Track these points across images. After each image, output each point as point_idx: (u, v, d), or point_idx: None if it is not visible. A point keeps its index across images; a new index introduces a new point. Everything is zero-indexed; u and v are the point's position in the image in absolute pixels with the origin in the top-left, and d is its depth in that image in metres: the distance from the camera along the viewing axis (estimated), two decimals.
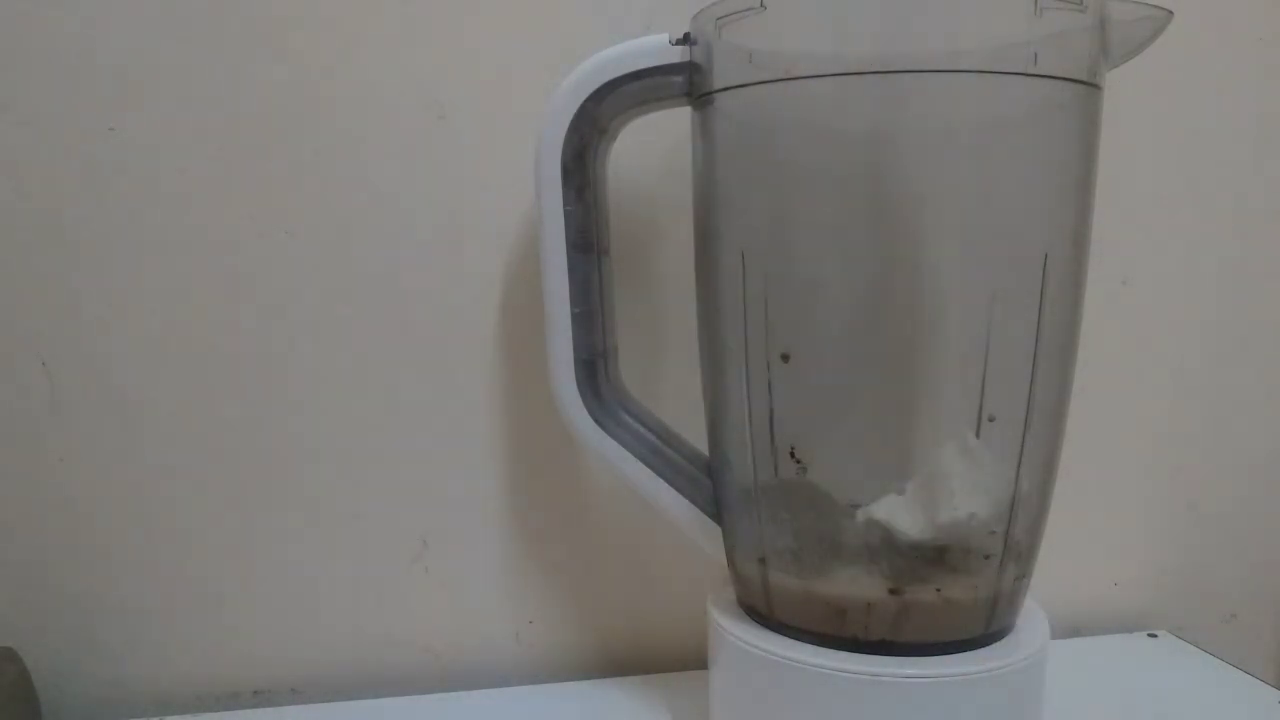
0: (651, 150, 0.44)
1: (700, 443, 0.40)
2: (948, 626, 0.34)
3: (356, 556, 0.46)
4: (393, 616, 0.47)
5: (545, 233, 0.37)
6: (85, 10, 0.40)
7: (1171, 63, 0.48)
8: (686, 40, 0.35)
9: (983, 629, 0.35)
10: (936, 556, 0.34)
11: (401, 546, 0.47)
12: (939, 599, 0.34)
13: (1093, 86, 0.32)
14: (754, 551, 0.37)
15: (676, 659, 0.49)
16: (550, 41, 0.43)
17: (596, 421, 0.39)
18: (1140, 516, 0.53)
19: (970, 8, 0.31)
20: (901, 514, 0.34)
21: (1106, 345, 0.50)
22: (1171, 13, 0.32)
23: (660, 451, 0.39)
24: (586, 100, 0.36)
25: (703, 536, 0.39)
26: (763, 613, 0.37)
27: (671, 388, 0.46)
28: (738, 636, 0.36)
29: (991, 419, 0.34)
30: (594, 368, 0.39)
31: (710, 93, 0.34)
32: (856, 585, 0.34)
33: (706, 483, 0.39)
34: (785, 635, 0.35)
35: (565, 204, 0.37)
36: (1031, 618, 0.37)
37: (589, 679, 0.47)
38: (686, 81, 0.35)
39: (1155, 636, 0.51)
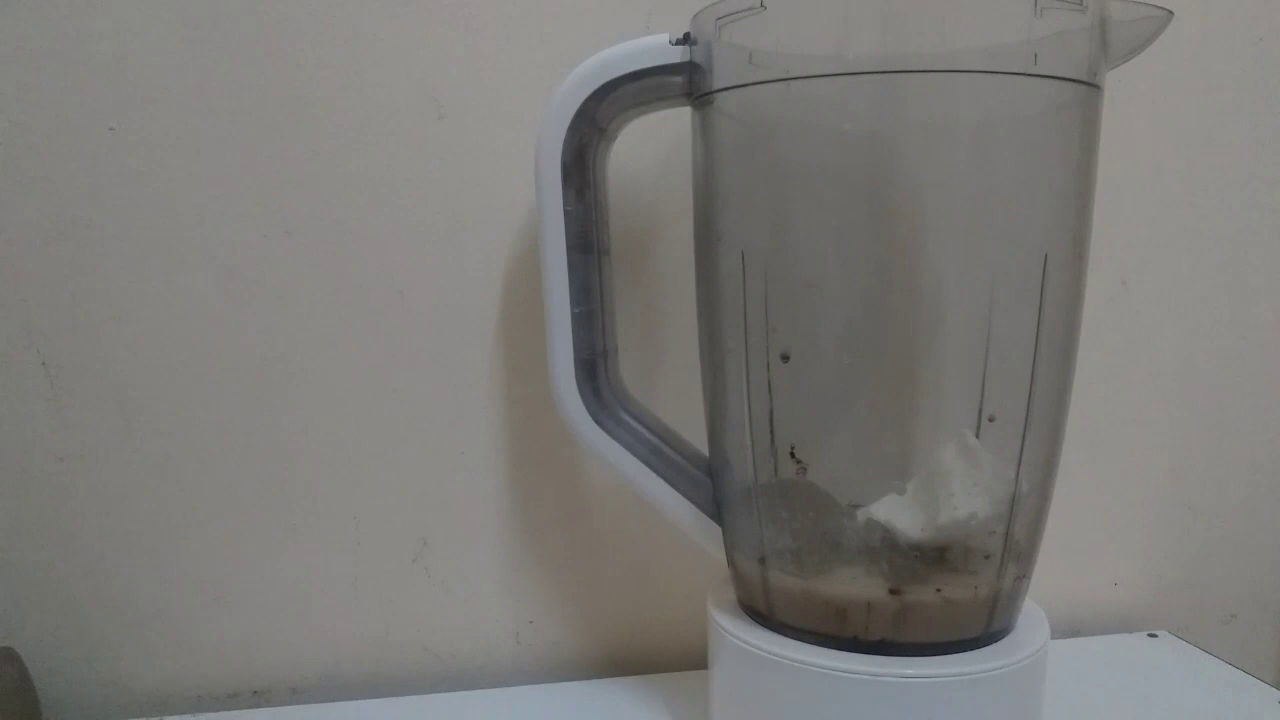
0: (651, 150, 0.44)
1: (700, 443, 0.40)
2: (948, 626, 0.34)
3: (356, 557, 0.46)
4: (393, 616, 0.47)
5: (545, 233, 0.37)
6: (85, 10, 0.40)
7: (1171, 63, 0.48)
8: (686, 40, 0.35)
9: (983, 629, 0.35)
10: (936, 556, 0.34)
11: (401, 546, 0.47)
12: (939, 599, 0.34)
13: (1093, 86, 0.32)
14: (754, 551, 0.37)
15: (676, 659, 0.49)
16: (550, 41, 0.43)
17: (596, 421, 0.39)
18: (1140, 516, 0.53)
19: (970, 8, 0.31)
20: (901, 514, 0.34)
21: (1106, 345, 0.50)
22: (1171, 13, 0.32)
23: (660, 451, 0.39)
24: (586, 100, 0.36)
25: (703, 536, 0.39)
26: (763, 613, 0.37)
27: (671, 388, 0.46)
28: (738, 636, 0.36)
29: (991, 419, 0.34)
30: (594, 368, 0.39)
31: (710, 93, 0.34)
32: (856, 585, 0.34)
33: (706, 483, 0.39)
34: (785, 635, 0.35)
35: (565, 204, 0.37)
36: (1031, 618, 0.37)
37: (589, 679, 0.47)
38: (686, 81, 0.35)
39: (1155, 636, 0.51)
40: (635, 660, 0.49)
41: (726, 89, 0.34)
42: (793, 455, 0.35)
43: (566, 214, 0.37)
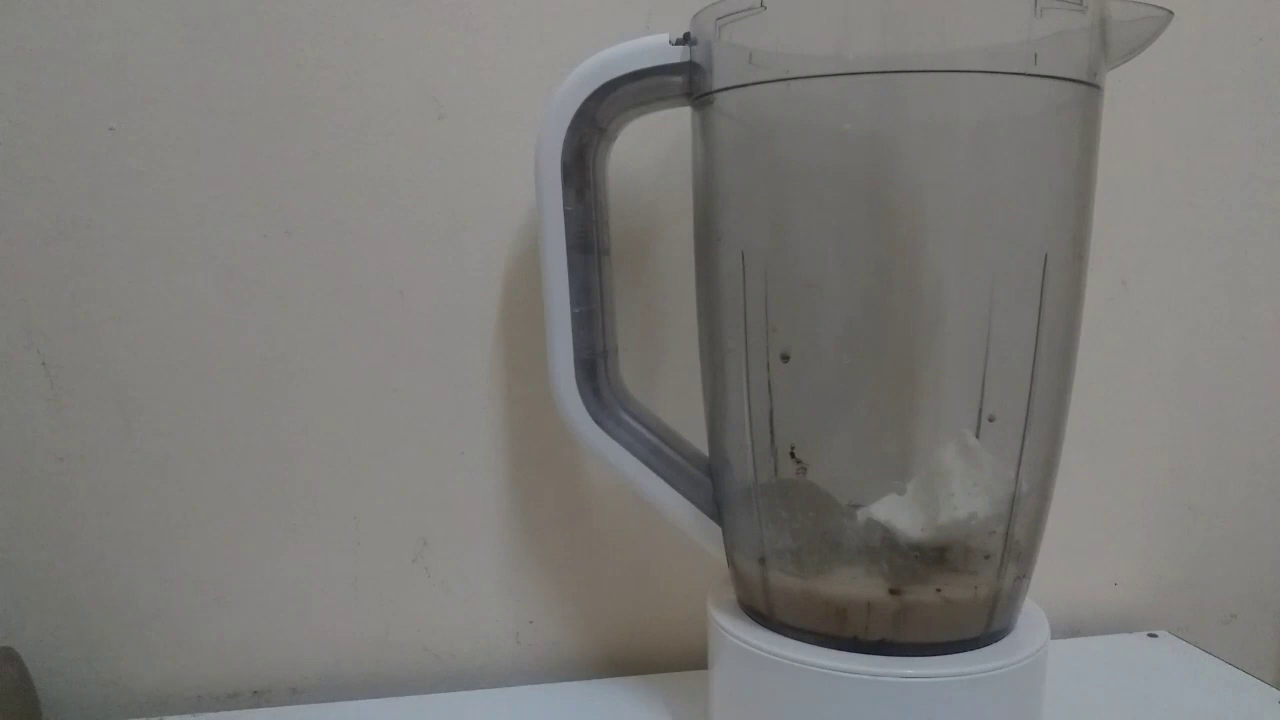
0: (651, 150, 0.44)
1: (700, 443, 0.40)
2: (948, 626, 0.34)
3: (356, 557, 0.46)
4: (393, 616, 0.47)
5: (545, 233, 0.37)
6: (85, 10, 0.40)
7: (1171, 63, 0.48)
8: (686, 40, 0.35)
9: (983, 629, 0.35)
10: (936, 556, 0.34)
11: (401, 546, 0.47)
12: (939, 599, 0.34)
13: (1093, 86, 0.32)
14: (754, 551, 0.37)
15: (676, 659, 0.49)
16: (550, 41, 0.43)
17: (596, 421, 0.39)
18: (1140, 516, 0.53)
19: (970, 8, 0.31)
20: (901, 514, 0.34)
21: (1106, 345, 0.50)
22: (1171, 13, 0.32)
23: (660, 451, 0.39)
24: (586, 100, 0.36)
25: (703, 536, 0.39)
26: (763, 613, 0.37)
27: (671, 388, 0.46)
28: (738, 636, 0.36)
29: (991, 419, 0.34)
30: (594, 368, 0.39)
31: (710, 93, 0.34)
32: (856, 585, 0.34)
33: (706, 483, 0.39)
34: (785, 635, 0.35)
35: (565, 204, 0.37)
36: (1031, 618, 0.37)
37: (589, 679, 0.47)
38: (686, 81, 0.35)
39: (1155, 636, 0.51)
40: (635, 660, 0.49)
41: (726, 89, 0.34)
42: (793, 455, 0.35)
43: (566, 214, 0.37)
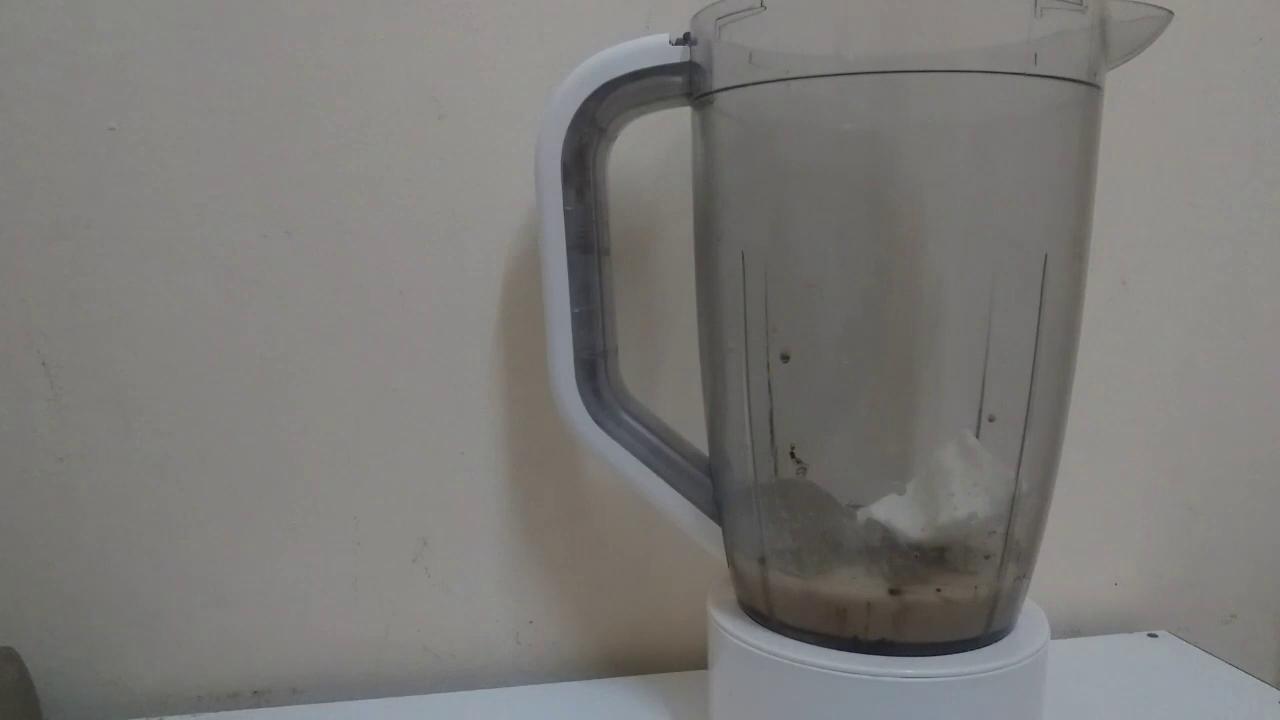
0: (651, 150, 0.44)
1: (700, 443, 0.40)
2: (948, 626, 0.34)
3: (356, 557, 0.46)
4: (393, 616, 0.47)
5: (545, 233, 0.37)
6: (85, 10, 0.40)
7: (1171, 63, 0.48)
8: (686, 40, 0.35)
9: (983, 629, 0.35)
10: (936, 556, 0.34)
11: (401, 546, 0.47)
12: (939, 599, 0.34)
13: (1093, 86, 0.32)
14: (754, 551, 0.37)
15: (676, 659, 0.49)
16: (550, 41, 0.43)
17: (596, 421, 0.39)
18: (1140, 516, 0.53)
19: (970, 8, 0.31)
20: (901, 514, 0.34)
21: (1106, 345, 0.50)
22: (1171, 13, 0.32)
23: (660, 451, 0.39)
24: (586, 100, 0.36)
25: (703, 536, 0.39)
26: (763, 613, 0.37)
27: (671, 388, 0.46)
28: (738, 636, 0.36)
29: (991, 419, 0.34)
30: (594, 368, 0.39)
31: (710, 93, 0.34)
32: (856, 585, 0.34)
33: (706, 483, 0.39)
34: (785, 635, 0.35)
35: (565, 204, 0.37)
36: (1031, 618, 0.37)
37: (589, 679, 0.47)
38: (686, 81, 0.35)
39: (1155, 636, 0.51)
40: (635, 660, 0.49)
41: (726, 89, 0.34)
42: (793, 455, 0.35)
43: (566, 214, 0.37)
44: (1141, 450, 0.52)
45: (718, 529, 0.39)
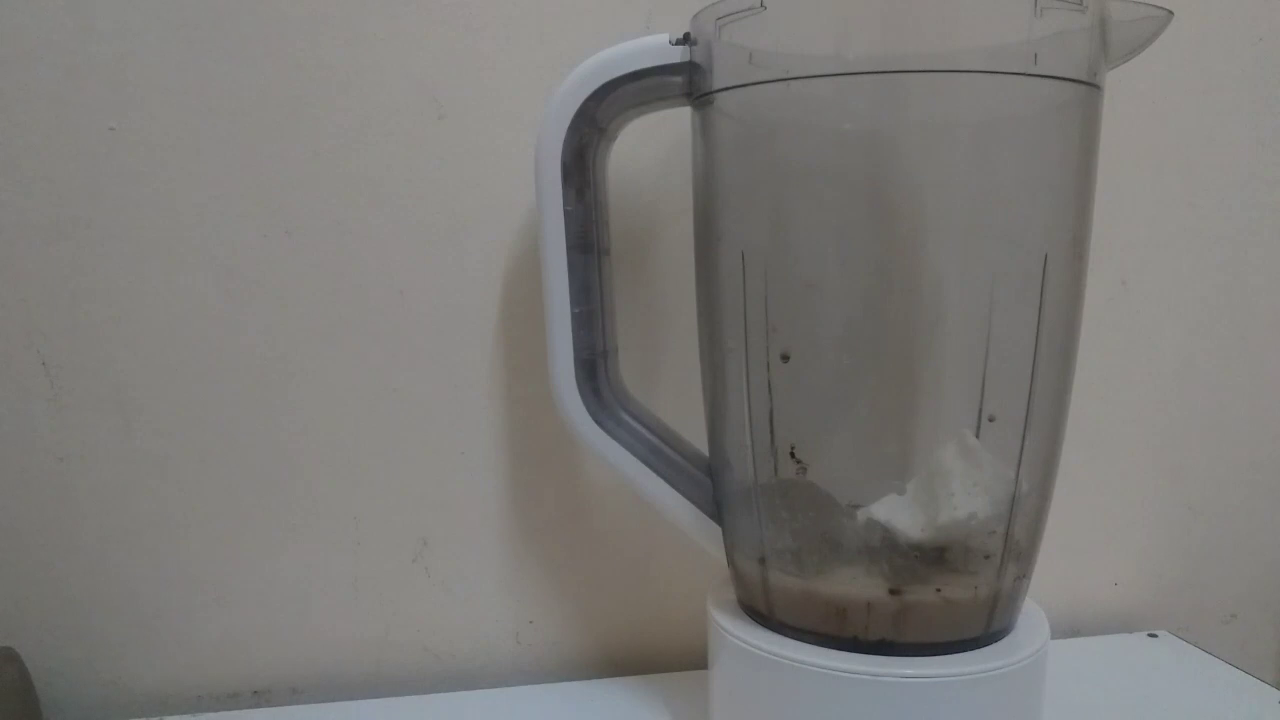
0: (651, 150, 0.44)
1: (700, 443, 0.40)
2: (948, 626, 0.34)
3: (356, 557, 0.46)
4: (393, 616, 0.47)
5: (545, 233, 0.37)
6: (85, 10, 0.40)
7: (1171, 63, 0.48)
8: (686, 40, 0.35)
9: (983, 629, 0.35)
10: (936, 556, 0.34)
11: (401, 546, 0.47)
12: (939, 599, 0.34)
13: (1093, 86, 0.32)
14: (754, 551, 0.37)
15: (676, 659, 0.49)
16: (550, 41, 0.43)
17: (596, 421, 0.39)
18: (1140, 516, 0.53)
19: (970, 8, 0.31)
20: (901, 514, 0.34)
21: (1106, 345, 0.50)
22: (1171, 13, 0.32)
23: (660, 451, 0.39)
24: (586, 100, 0.36)
25: (703, 536, 0.39)
26: (763, 613, 0.37)
27: (671, 388, 0.46)
28: (738, 636, 0.36)
29: (991, 419, 0.34)
30: (594, 368, 0.39)
31: (710, 93, 0.34)
32: (856, 585, 0.34)
33: (706, 483, 0.39)
34: (785, 635, 0.35)
35: (565, 204, 0.37)
36: (1031, 618, 0.37)
37: (589, 679, 0.47)
38: (686, 81, 0.35)
39: (1155, 636, 0.51)
40: (635, 660, 0.49)
41: (726, 89, 0.34)
42: (793, 455, 0.35)
43: (566, 214, 0.37)
44: (1141, 450, 0.52)
45: (718, 529, 0.39)
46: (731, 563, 0.38)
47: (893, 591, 0.34)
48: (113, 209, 0.42)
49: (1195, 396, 0.52)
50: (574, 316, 0.38)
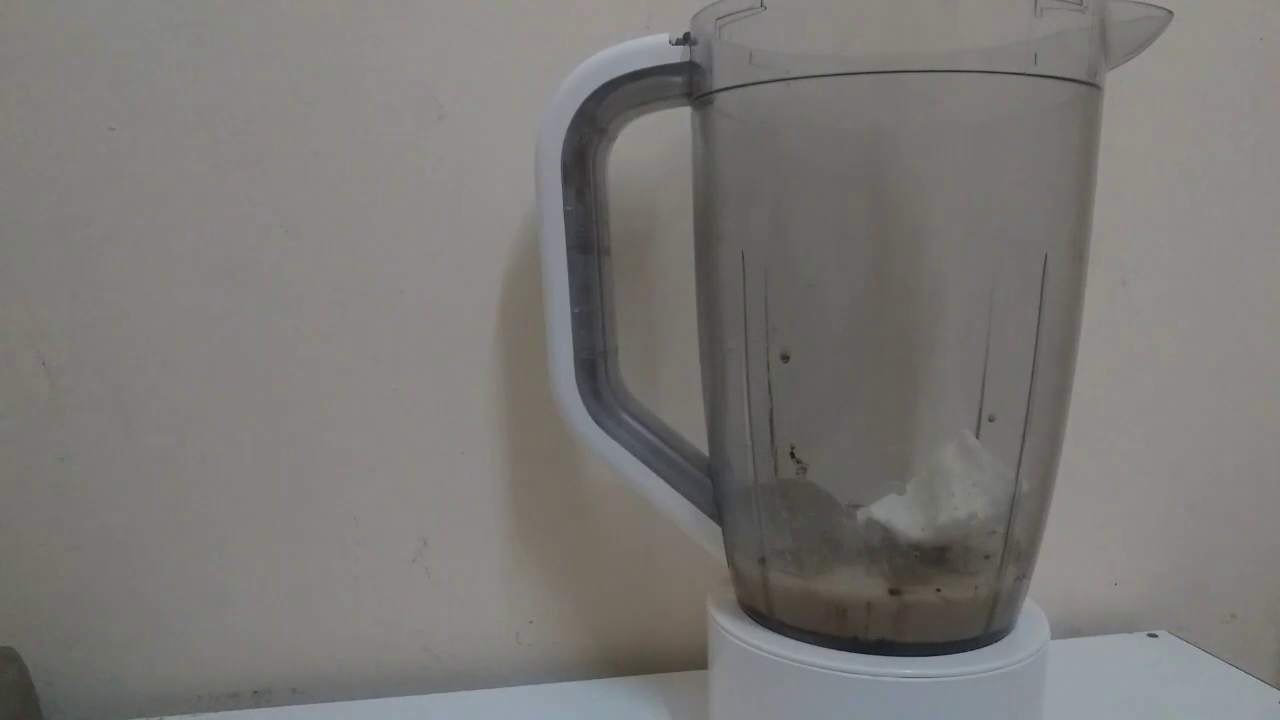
0: (651, 150, 0.44)
1: (700, 443, 0.40)
2: (948, 626, 0.34)
3: (356, 556, 0.46)
4: (393, 616, 0.47)
5: (545, 233, 0.37)
6: (85, 10, 0.40)
7: (1171, 63, 0.48)
8: (686, 40, 0.35)
9: (983, 629, 0.35)
10: (936, 556, 0.34)
11: (401, 546, 0.47)
12: (939, 599, 0.34)
13: (1093, 86, 0.32)
14: (754, 551, 0.37)
15: (676, 659, 0.49)
16: (550, 41, 0.43)
17: (596, 421, 0.39)
18: (1140, 516, 0.53)
19: (970, 8, 0.31)
20: (901, 514, 0.34)
21: (1106, 345, 0.50)
22: (1171, 13, 0.32)
23: (660, 451, 0.39)
24: (586, 100, 0.36)
25: (703, 536, 0.39)
26: (763, 613, 0.37)
27: (671, 388, 0.46)
28: (738, 636, 0.36)
29: (991, 419, 0.34)
30: (594, 368, 0.39)
31: (710, 93, 0.34)
32: (856, 585, 0.34)
33: (706, 483, 0.39)
34: (785, 635, 0.35)
35: (565, 204, 0.37)
36: (1031, 618, 0.37)
37: (589, 679, 0.47)
38: (686, 81, 0.35)
39: (1155, 636, 0.51)
40: (635, 660, 0.49)
41: (726, 89, 0.34)
42: (793, 455, 0.35)
43: (566, 214, 0.37)
44: (1141, 450, 0.52)
45: (718, 529, 0.39)
46: (731, 563, 0.38)
47: (893, 591, 0.34)
48: (113, 209, 0.42)
49: (1195, 396, 0.52)
50: (574, 316, 0.38)
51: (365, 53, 0.42)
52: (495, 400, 0.46)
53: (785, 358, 0.34)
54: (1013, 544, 0.34)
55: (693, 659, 0.48)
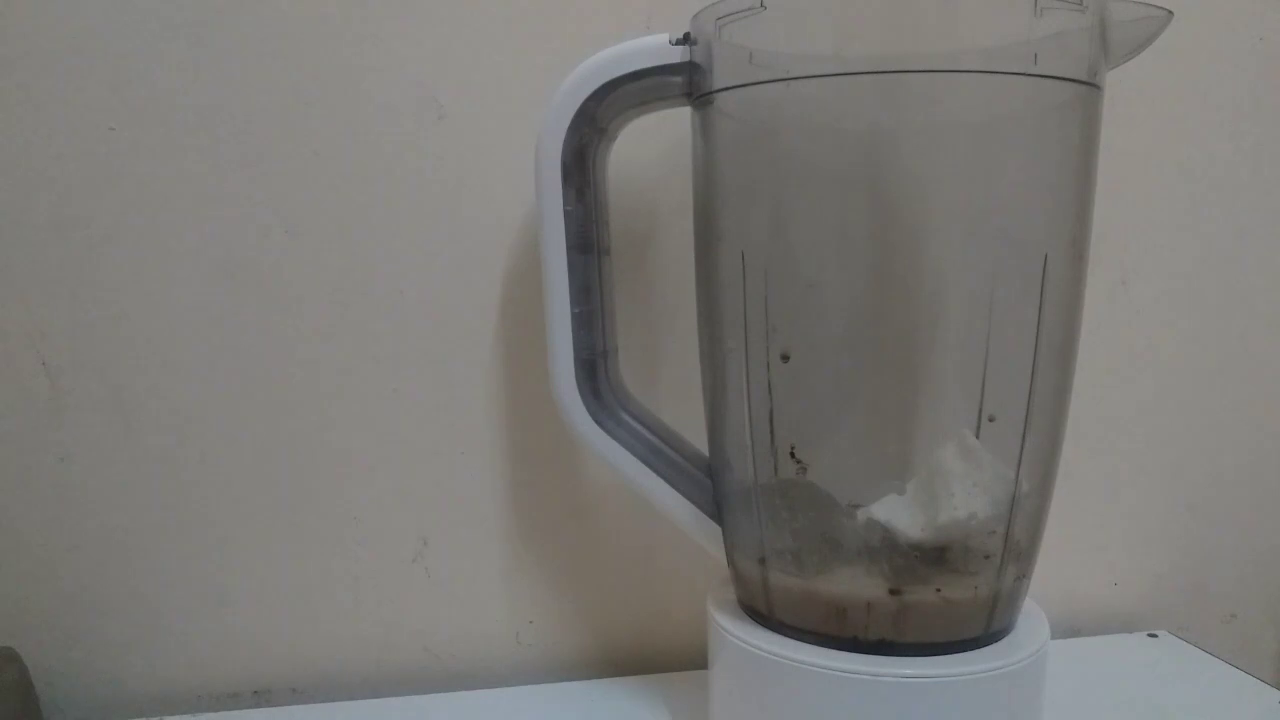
0: (651, 150, 0.44)
1: (700, 443, 0.40)
2: (948, 626, 0.34)
3: (356, 556, 0.46)
4: (393, 617, 0.47)
5: (545, 233, 0.37)
6: (85, 10, 0.40)
7: (1171, 63, 0.48)
8: (686, 40, 0.35)
9: (983, 629, 0.35)
10: (936, 556, 0.34)
11: (401, 546, 0.47)
12: (939, 599, 0.34)
13: (1093, 86, 0.32)
14: (754, 551, 0.37)
15: (676, 659, 0.49)
16: (550, 41, 0.43)
17: (596, 421, 0.39)
18: (1140, 516, 0.53)
19: (970, 8, 0.31)
20: (901, 514, 0.34)
21: (1106, 345, 0.50)
22: (1171, 13, 0.32)
23: (660, 451, 0.39)
24: (586, 100, 0.36)
25: (703, 536, 0.39)
26: (763, 613, 0.37)
27: (671, 388, 0.46)
28: (738, 636, 0.36)
29: (991, 419, 0.34)
30: (594, 368, 0.39)
31: (710, 93, 0.34)
32: (856, 585, 0.34)
33: (706, 483, 0.39)
34: (785, 635, 0.35)
35: (565, 204, 0.37)
36: (1031, 618, 0.37)
37: (589, 679, 0.47)
38: (686, 81, 0.35)
39: (1155, 636, 0.51)
40: (635, 660, 0.49)
41: (726, 89, 0.34)
42: (793, 455, 0.35)
43: (566, 214, 0.37)
44: (1141, 450, 0.52)
45: (718, 529, 0.39)
46: (731, 563, 0.38)
47: (893, 591, 0.34)
48: (113, 209, 0.42)
49: (1195, 396, 0.52)
50: (574, 316, 0.38)
51: (365, 53, 0.42)
52: (495, 400, 0.46)
53: (785, 358, 0.34)
54: (1013, 544, 0.34)
55: (693, 659, 0.48)
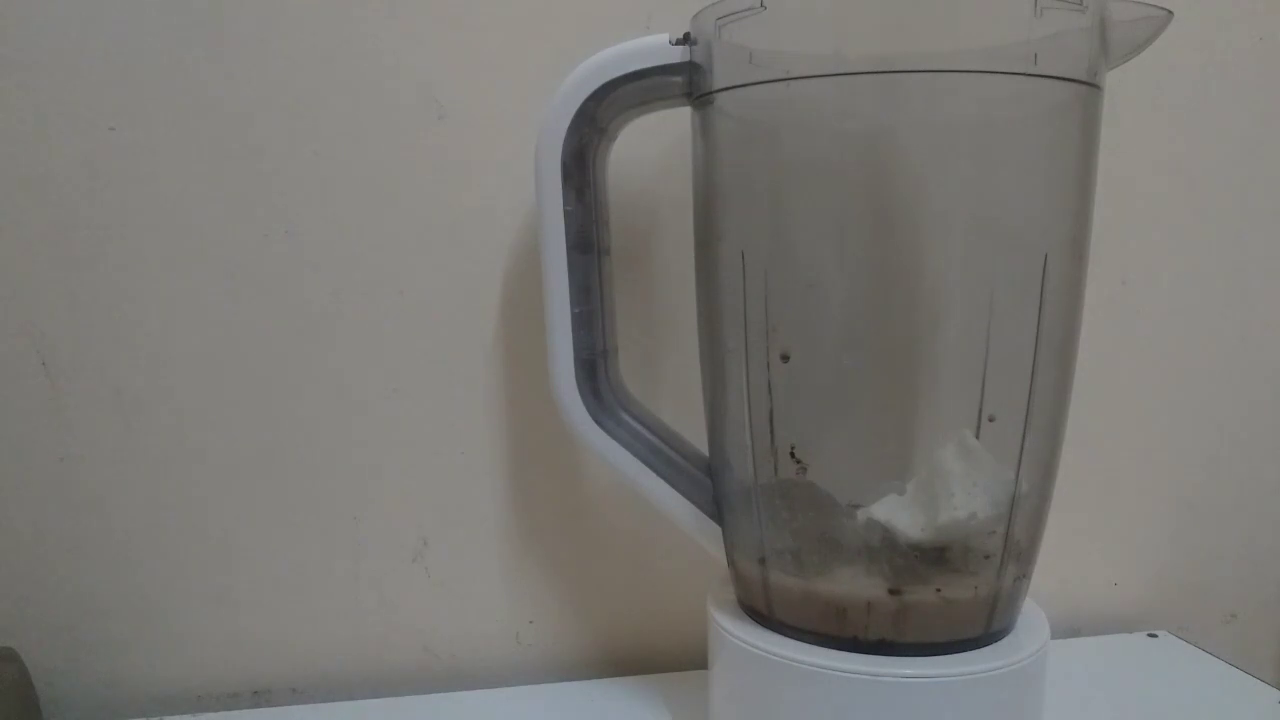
0: (651, 150, 0.44)
1: (700, 443, 0.40)
2: (948, 626, 0.34)
3: (356, 557, 0.46)
4: (393, 616, 0.47)
5: (545, 233, 0.37)
6: (85, 10, 0.40)
7: (1171, 63, 0.48)
8: (686, 40, 0.35)
9: (983, 629, 0.35)
10: (936, 556, 0.34)
11: (401, 546, 0.47)
12: (939, 599, 0.34)
13: (1093, 86, 0.32)
14: (754, 551, 0.37)
15: (676, 659, 0.49)
16: (550, 41, 0.43)
17: (596, 421, 0.39)
18: (1140, 516, 0.53)
19: (970, 8, 0.31)
20: (901, 514, 0.34)
21: (1106, 345, 0.50)
22: (1171, 13, 0.32)
23: (660, 451, 0.39)
24: (586, 100, 0.36)
25: (703, 536, 0.39)
26: (763, 613, 0.37)
27: (671, 388, 0.46)
28: (738, 636, 0.36)
29: (991, 419, 0.34)
30: (594, 368, 0.39)
31: (710, 93, 0.34)
32: (856, 585, 0.34)
33: (706, 483, 0.39)
34: (785, 635, 0.35)
35: (565, 204, 0.37)
36: (1031, 618, 0.37)
37: (589, 679, 0.47)
38: (686, 81, 0.35)
39: (1155, 636, 0.51)
40: (635, 660, 0.49)
41: (726, 89, 0.34)
42: (793, 455, 0.35)
43: (566, 214, 0.37)
44: (1141, 450, 0.52)
45: (718, 529, 0.39)
46: (731, 563, 0.38)
47: (892, 591, 0.34)
48: (113, 209, 0.42)
49: (1195, 396, 0.52)
50: (574, 316, 0.38)
51: (365, 52, 0.42)
52: (495, 400, 0.46)
53: (785, 358, 0.34)
54: (1013, 544, 0.34)
55: (693, 659, 0.48)
